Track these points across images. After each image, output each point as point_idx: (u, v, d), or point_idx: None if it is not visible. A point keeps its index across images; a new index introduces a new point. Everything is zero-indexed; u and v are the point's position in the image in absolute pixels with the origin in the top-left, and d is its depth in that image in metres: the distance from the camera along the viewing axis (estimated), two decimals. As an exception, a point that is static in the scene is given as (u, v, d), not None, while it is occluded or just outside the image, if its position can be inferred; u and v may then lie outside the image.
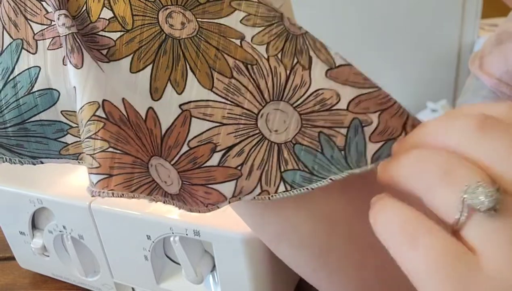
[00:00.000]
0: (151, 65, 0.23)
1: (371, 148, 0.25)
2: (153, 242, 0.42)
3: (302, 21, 0.27)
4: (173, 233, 0.40)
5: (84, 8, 0.23)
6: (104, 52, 0.23)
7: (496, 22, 1.38)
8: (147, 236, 0.42)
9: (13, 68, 0.23)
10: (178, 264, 0.44)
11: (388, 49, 1.31)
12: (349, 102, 0.24)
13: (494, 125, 0.19)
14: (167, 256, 0.45)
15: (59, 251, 0.49)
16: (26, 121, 0.23)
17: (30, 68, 0.23)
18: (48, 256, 0.51)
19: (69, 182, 0.47)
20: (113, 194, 0.21)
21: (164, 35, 0.23)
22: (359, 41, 1.30)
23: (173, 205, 0.23)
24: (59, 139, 0.24)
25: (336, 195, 0.27)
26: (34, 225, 0.50)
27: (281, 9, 0.37)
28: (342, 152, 0.25)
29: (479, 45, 1.25)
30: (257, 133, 0.24)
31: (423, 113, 1.12)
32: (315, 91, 0.24)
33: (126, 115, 0.22)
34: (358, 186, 0.27)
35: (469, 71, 0.40)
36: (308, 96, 0.24)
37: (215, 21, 0.24)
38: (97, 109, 0.21)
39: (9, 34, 0.23)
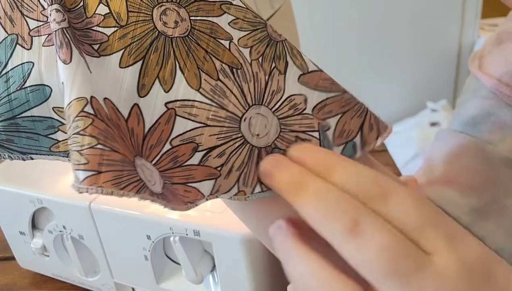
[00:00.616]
0: (141, 61, 0.23)
1: (336, 150, 0.26)
2: (153, 242, 0.42)
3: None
4: (173, 233, 0.40)
5: (81, 3, 0.23)
6: (96, 47, 0.23)
7: (496, 22, 1.38)
8: (147, 236, 0.42)
9: (6, 63, 0.23)
10: (178, 264, 0.44)
11: (388, 49, 1.31)
12: (314, 107, 0.26)
13: (365, 234, 0.19)
14: (167, 256, 0.45)
15: (59, 251, 0.49)
16: (17, 116, 0.23)
17: (24, 63, 0.23)
18: (48, 256, 0.51)
19: (69, 182, 0.47)
20: (102, 191, 0.20)
21: (157, 32, 0.23)
22: (359, 42, 1.30)
23: (159, 204, 0.23)
24: (50, 136, 0.24)
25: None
26: (34, 225, 0.50)
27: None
28: None
29: (479, 45, 1.25)
30: (239, 137, 0.25)
31: (423, 113, 1.12)
32: (289, 97, 0.26)
33: (109, 115, 0.22)
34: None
35: (469, 71, 0.40)
36: (283, 101, 0.25)
37: (209, 19, 0.24)
38: (85, 105, 0.21)
39: (4, 29, 0.23)
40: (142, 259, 0.43)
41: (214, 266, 0.43)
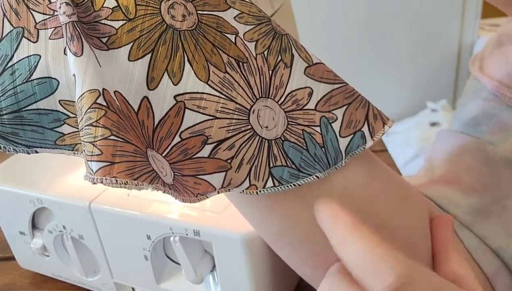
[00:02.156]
0: (150, 54, 0.23)
1: (343, 142, 0.27)
2: (153, 242, 0.42)
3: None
4: (173, 233, 0.40)
5: None
6: (104, 40, 0.23)
7: (496, 22, 1.38)
8: (147, 236, 0.42)
9: (12, 56, 0.23)
10: (178, 264, 0.44)
11: (388, 49, 1.31)
12: (320, 99, 0.26)
13: None
14: (167, 256, 0.45)
15: (59, 251, 0.49)
16: (23, 109, 0.23)
17: (30, 56, 0.23)
18: (48, 256, 0.51)
19: (69, 182, 0.47)
20: (116, 181, 0.20)
21: (165, 25, 0.23)
22: (359, 42, 1.30)
23: (171, 194, 0.23)
24: (55, 129, 0.24)
25: (339, 194, 0.27)
26: (34, 225, 0.50)
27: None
28: (323, 149, 0.26)
29: (479, 45, 1.25)
30: (249, 129, 0.25)
31: (423, 113, 1.12)
32: (290, 92, 0.26)
33: (120, 107, 0.22)
34: (358, 184, 0.27)
35: (469, 71, 0.40)
36: (286, 96, 0.26)
37: (215, 13, 0.24)
38: (98, 97, 0.21)
39: (10, 22, 0.23)
40: (142, 259, 0.43)
41: (214, 266, 0.43)
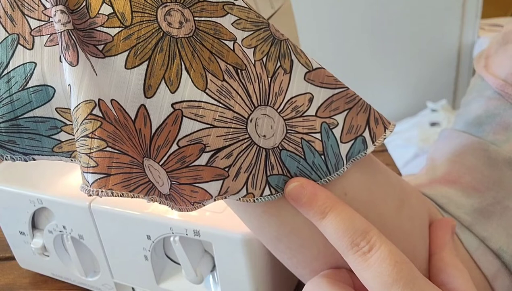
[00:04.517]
0: (147, 62, 0.23)
1: (344, 148, 0.26)
2: (153, 242, 0.42)
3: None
4: (173, 233, 0.40)
5: (84, 3, 0.22)
6: (100, 47, 0.22)
7: (496, 22, 1.38)
8: (147, 236, 0.42)
9: (8, 63, 0.23)
10: (178, 264, 0.44)
11: (388, 49, 1.31)
12: (320, 105, 0.26)
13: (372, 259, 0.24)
14: (167, 256, 0.45)
15: (59, 251, 0.49)
16: (19, 117, 0.23)
17: (26, 63, 0.23)
18: (48, 256, 0.51)
19: (69, 182, 0.47)
20: (112, 193, 0.20)
21: (162, 32, 0.23)
22: (359, 42, 1.30)
23: (167, 205, 0.23)
24: (52, 137, 0.24)
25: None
26: (34, 225, 0.50)
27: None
28: (322, 157, 0.26)
29: (479, 45, 1.25)
30: (246, 138, 0.25)
31: (423, 113, 1.12)
32: (290, 99, 0.25)
33: (117, 117, 0.22)
34: (357, 189, 0.27)
35: (469, 71, 0.40)
36: (286, 103, 0.25)
37: (212, 19, 0.24)
38: (93, 108, 0.21)
39: (5, 29, 0.23)
40: (142, 259, 0.43)
41: (214, 266, 0.43)
